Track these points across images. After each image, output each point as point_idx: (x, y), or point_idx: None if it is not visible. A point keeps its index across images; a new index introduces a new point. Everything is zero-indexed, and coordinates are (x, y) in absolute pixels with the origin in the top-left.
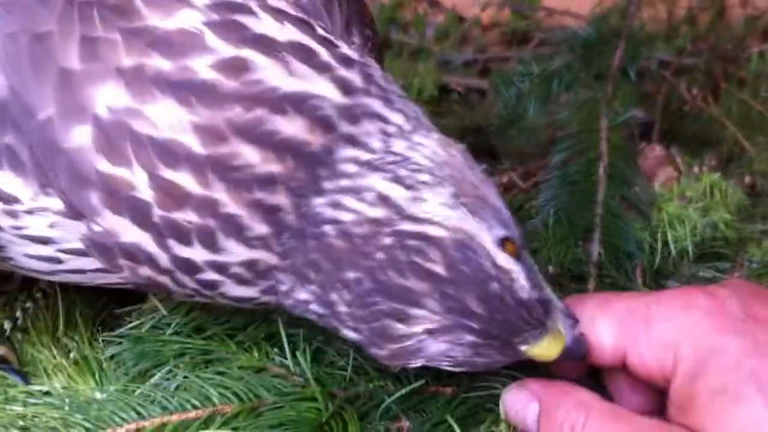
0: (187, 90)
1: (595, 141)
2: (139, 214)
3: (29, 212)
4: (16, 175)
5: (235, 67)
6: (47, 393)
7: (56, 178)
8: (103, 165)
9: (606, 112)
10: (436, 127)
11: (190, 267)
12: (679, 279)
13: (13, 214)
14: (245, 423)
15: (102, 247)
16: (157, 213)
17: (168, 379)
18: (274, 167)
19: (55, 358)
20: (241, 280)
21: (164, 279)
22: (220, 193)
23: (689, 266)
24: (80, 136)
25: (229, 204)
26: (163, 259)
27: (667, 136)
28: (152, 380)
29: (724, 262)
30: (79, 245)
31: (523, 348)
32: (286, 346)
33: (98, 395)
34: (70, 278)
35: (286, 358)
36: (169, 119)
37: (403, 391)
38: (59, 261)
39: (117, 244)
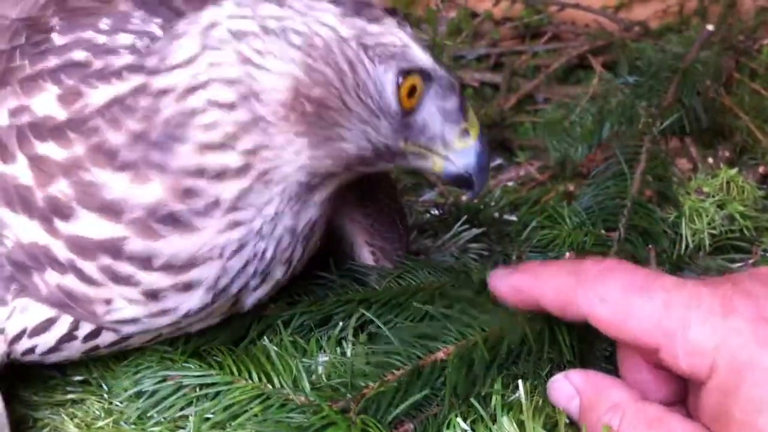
0: (62, 70)
1: (637, 153)
2: (25, 201)
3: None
4: None
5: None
6: (85, 381)
7: None
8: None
9: (651, 132)
10: None
11: (83, 246)
12: (695, 270)
13: None
14: None
15: (17, 263)
16: (39, 195)
17: None
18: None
19: None
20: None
21: (70, 281)
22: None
23: (704, 258)
24: None
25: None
26: (59, 249)
27: (681, 128)
28: None
29: (740, 253)
30: None
31: None
32: (284, 373)
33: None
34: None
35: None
36: (42, 101)
37: (411, 400)
38: None
39: (22, 248)
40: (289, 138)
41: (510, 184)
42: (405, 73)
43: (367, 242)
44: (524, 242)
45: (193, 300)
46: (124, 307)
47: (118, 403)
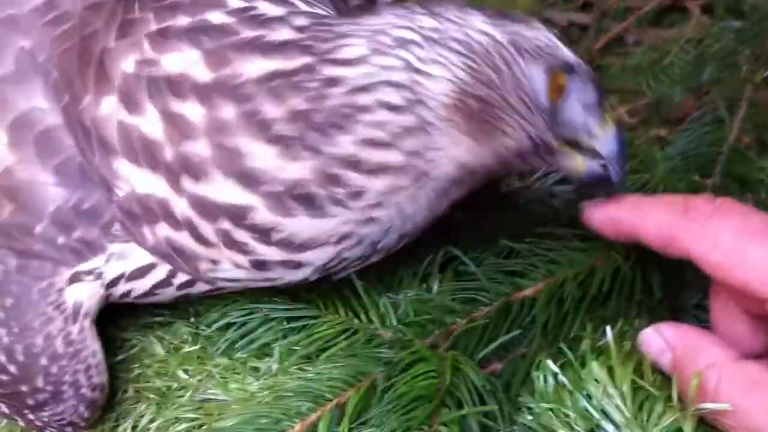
0: (200, 32)
1: (738, 99)
2: (151, 154)
3: None
4: None
5: (241, 9)
6: (172, 306)
7: (92, 155)
8: (123, 115)
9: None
10: None
11: (207, 208)
12: None
13: None
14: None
15: (128, 212)
16: (169, 150)
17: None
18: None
19: None
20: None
21: (182, 237)
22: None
23: None
24: (108, 105)
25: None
26: (179, 205)
27: None
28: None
29: None
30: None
31: None
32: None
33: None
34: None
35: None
36: (178, 60)
37: (501, 340)
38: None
39: (136, 198)
40: (454, 138)
41: None
42: (552, 69)
43: None
44: None
45: (297, 275)
46: (229, 270)
47: (205, 329)
